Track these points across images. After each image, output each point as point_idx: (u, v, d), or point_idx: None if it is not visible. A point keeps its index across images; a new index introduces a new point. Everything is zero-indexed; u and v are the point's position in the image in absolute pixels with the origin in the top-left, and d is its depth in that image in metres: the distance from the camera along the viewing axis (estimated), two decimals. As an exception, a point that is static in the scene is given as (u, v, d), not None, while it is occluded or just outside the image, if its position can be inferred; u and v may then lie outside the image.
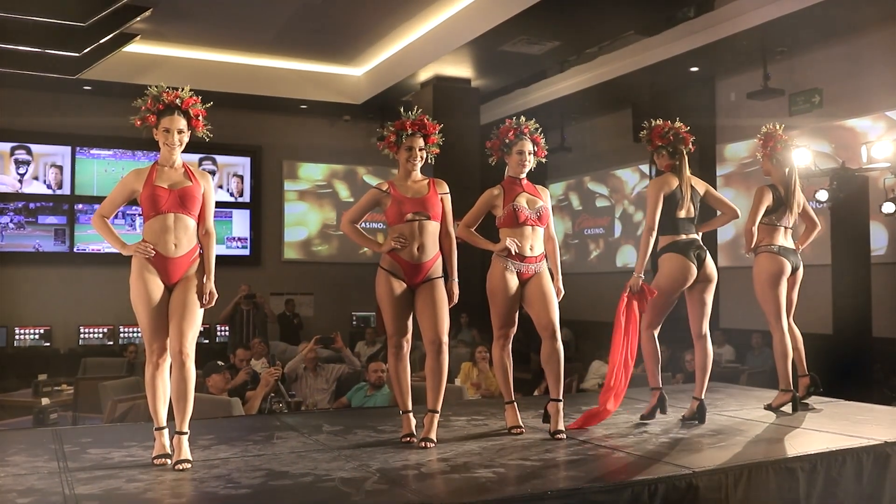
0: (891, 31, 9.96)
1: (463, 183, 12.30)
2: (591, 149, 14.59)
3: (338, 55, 13.20)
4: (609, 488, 3.40)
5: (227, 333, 12.07)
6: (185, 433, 3.76)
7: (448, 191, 4.48)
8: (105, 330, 13.40)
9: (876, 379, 9.03)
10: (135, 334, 12.72)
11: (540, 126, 4.81)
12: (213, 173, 14.48)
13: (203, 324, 12.41)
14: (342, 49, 12.87)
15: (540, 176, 13.06)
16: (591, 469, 3.74)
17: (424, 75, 12.36)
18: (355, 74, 13.99)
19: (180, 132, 3.86)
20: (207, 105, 3.94)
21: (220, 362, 6.53)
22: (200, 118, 3.91)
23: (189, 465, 3.69)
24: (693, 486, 3.56)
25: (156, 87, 3.87)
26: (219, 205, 14.43)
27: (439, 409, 4.30)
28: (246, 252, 14.86)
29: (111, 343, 13.28)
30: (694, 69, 11.75)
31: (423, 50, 11.92)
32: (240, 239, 14.82)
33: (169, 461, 3.74)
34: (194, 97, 3.90)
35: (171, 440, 3.79)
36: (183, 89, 3.90)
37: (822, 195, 8.67)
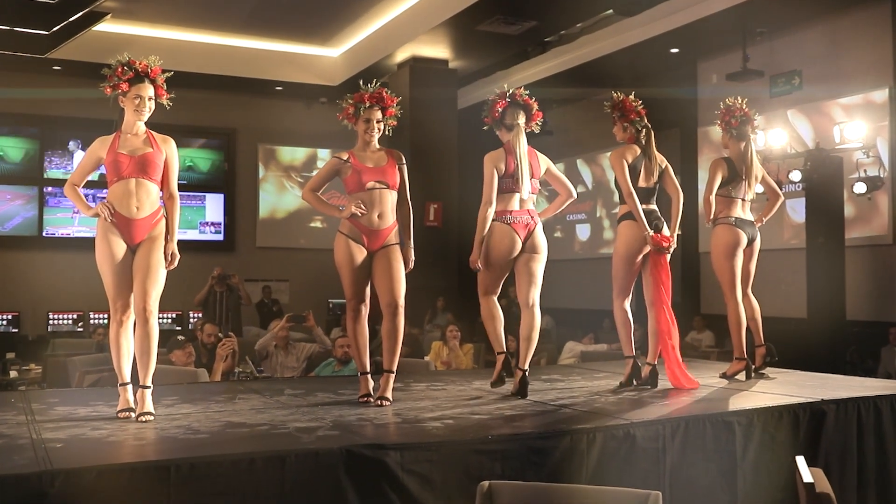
0: (870, 13, 10.35)
1: (441, 164, 12.75)
2: (574, 132, 14.95)
3: (314, 35, 13.52)
4: (548, 434, 3.77)
5: (198, 318, 12.39)
6: (149, 387, 4.11)
7: (405, 162, 4.82)
8: (74, 316, 13.68)
9: (849, 361, 9.43)
10: (105, 321, 13.01)
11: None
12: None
13: (175, 310, 12.64)
14: (318, 29, 13.19)
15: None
16: (535, 420, 4.12)
17: (401, 56, 12.71)
18: (332, 55, 14.32)
19: (150, 99, 4.22)
20: (168, 74, 4.29)
21: (180, 337, 6.86)
22: (164, 86, 4.28)
23: (151, 418, 4.04)
24: (630, 436, 3.92)
25: (121, 58, 4.24)
26: (192, 188, 14.80)
27: (395, 369, 4.66)
28: (220, 237, 15.18)
29: (80, 329, 13.56)
30: (674, 50, 12.13)
31: (399, 30, 12.27)
32: (213, 224, 15.14)
33: (132, 414, 4.08)
34: (159, 67, 4.27)
35: (135, 395, 4.15)
36: (149, 59, 4.26)
37: (796, 175, 9.08)
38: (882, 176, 9.06)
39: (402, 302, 4.68)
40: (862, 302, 9.87)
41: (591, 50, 12.62)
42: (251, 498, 3.22)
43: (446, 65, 12.89)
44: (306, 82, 14.39)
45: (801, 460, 2.97)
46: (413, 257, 4.81)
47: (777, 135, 9.39)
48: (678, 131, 12.95)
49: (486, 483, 2.77)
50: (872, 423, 4.64)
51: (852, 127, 8.98)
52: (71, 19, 10.28)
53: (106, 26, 11.65)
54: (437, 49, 12.29)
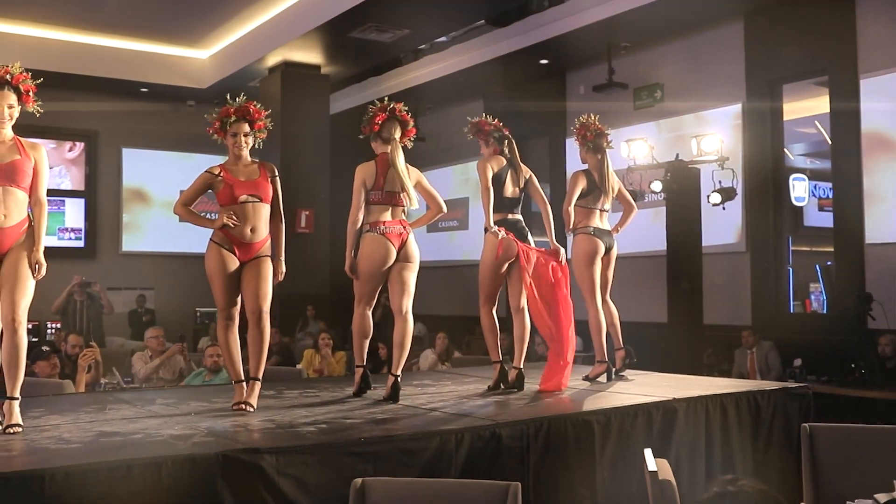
0: (724, 30, 11.10)
1: (312, 170, 12.87)
2: (445, 139, 15.31)
3: (182, 36, 13.41)
4: (418, 436, 4.03)
5: (57, 329, 12.10)
6: (17, 399, 4.14)
7: (277, 174, 4.96)
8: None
9: (707, 364, 10.07)
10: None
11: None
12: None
13: (32, 320, 12.55)
14: (186, 29, 13.09)
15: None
16: (406, 423, 4.37)
17: (273, 60, 12.77)
18: (200, 57, 14.23)
19: (11, 107, 4.23)
20: (38, 81, 4.32)
21: (45, 347, 6.83)
22: (31, 94, 4.30)
23: (20, 429, 4.07)
24: (497, 436, 4.22)
25: None
26: (50, 193, 14.39)
27: (261, 376, 4.81)
28: (80, 244, 14.83)
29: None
30: (544, 61, 12.65)
31: (270, 34, 12.34)
32: (73, 230, 14.77)
33: (-1, 427, 4.12)
34: (24, 73, 4.29)
35: (2, 406, 4.17)
36: (13, 65, 4.28)
37: (657, 186, 9.65)
38: (736, 186, 9.73)
39: (266, 308, 4.83)
40: (718, 307, 10.55)
41: (463, 59, 13.01)
42: (128, 505, 3.34)
43: (318, 70, 13.02)
44: (173, 84, 14.23)
45: (648, 452, 3.32)
46: (284, 269, 4.98)
47: (640, 146, 9.95)
48: (547, 140, 13.48)
49: (358, 480, 3.00)
50: (719, 418, 5.10)
51: (709, 140, 9.61)
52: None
53: (-43, 21, 11.28)
54: (309, 54, 12.41)
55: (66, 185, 14.98)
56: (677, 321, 9.94)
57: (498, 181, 5.56)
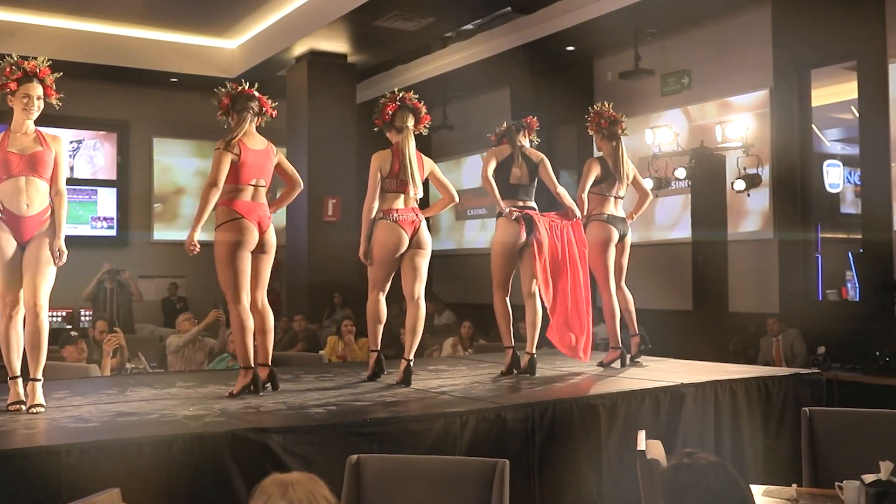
0: (752, 16, 11.07)
1: (339, 158, 13.05)
2: (473, 127, 15.41)
3: (210, 26, 13.65)
4: (423, 417, 4.18)
5: (90, 317, 12.42)
6: (39, 380, 4.36)
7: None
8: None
9: (733, 351, 10.11)
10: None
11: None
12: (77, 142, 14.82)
13: (66, 308, 12.84)
14: (215, 20, 13.32)
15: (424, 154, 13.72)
16: (414, 406, 4.52)
17: (299, 49, 12.96)
18: (229, 47, 14.46)
19: (39, 98, 4.47)
20: (57, 75, 4.54)
21: (73, 332, 7.07)
22: (53, 86, 4.53)
23: (43, 409, 4.29)
24: (501, 418, 4.35)
25: (10, 57, 4.48)
26: (83, 182, 14.78)
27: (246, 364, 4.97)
28: (112, 233, 15.16)
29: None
30: (570, 48, 12.69)
31: (297, 23, 12.51)
32: (106, 219, 15.10)
33: (23, 407, 4.33)
34: (48, 67, 4.53)
35: (25, 388, 4.39)
36: (36, 59, 4.51)
37: (681, 173, 9.70)
38: (761, 173, 9.75)
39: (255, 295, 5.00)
40: (744, 295, 10.57)
41: (489, 46, 13.08)
42: (140, 480, 3.51)
43: (345, 59, 13.18)
44: (202, 74, 14.45)
45: (641, 433, 3.43)
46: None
47: (665, 133, 10.01)
48: (575, 127, 13.51)
49: (353, 457, 3.15)
50: (728, 404, 5.19)
51: (733, 126, 9.64)
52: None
53: (-8, 13, 11.58)
54: (335, 43, 12.57)
55: (100, 158, 15.31)
56: (703, 309, 10.00)
57: (504, 168, 5.68)
